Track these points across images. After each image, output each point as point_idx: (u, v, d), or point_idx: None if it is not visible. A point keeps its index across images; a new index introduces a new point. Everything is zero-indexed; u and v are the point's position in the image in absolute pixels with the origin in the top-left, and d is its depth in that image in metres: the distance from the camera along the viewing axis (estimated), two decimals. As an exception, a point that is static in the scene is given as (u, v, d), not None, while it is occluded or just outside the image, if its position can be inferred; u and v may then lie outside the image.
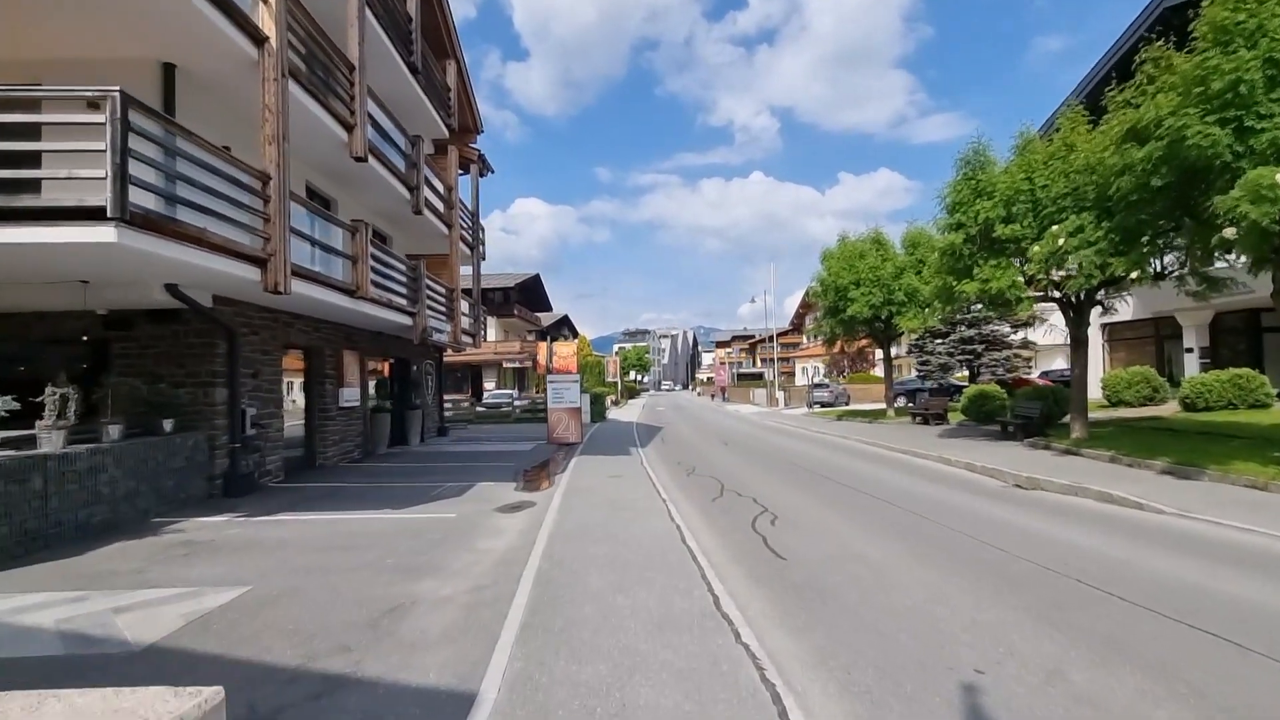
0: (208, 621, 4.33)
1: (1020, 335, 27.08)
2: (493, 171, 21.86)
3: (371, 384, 15.38)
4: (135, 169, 5.95)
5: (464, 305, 18.63)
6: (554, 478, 11.01)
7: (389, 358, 16.43)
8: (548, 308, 56.68)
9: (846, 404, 36.75)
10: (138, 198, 5.95)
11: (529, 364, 42.26)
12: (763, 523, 7.28)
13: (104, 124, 5.61)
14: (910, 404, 27.95)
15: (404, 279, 13.22)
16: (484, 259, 21.34)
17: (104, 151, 5.61)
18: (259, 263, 7.98)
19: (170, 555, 6.05)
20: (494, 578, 5.23)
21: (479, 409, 30.08)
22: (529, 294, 50.75)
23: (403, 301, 13.06)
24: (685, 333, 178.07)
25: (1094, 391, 22.86)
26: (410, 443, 17.00)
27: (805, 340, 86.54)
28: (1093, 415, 15.54)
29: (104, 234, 5.68)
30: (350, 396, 13.29)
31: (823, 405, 34.72)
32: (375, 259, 11.52)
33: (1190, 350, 19.44)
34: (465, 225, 19.15)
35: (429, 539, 6.59)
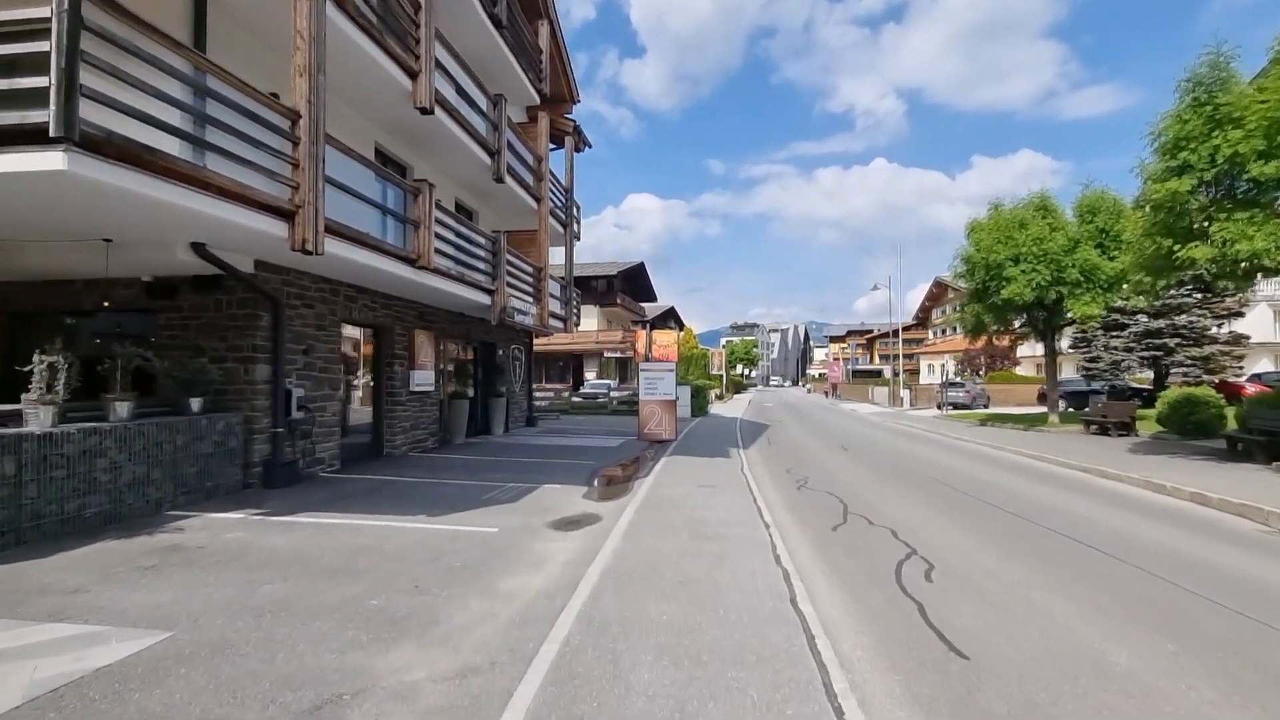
0: (49, 705, 2.86)
1: (1227, 329, 21.73)
2: (590, 146, 20.41)
3: (451, 368, 14.39)
4: (100, 84, 4.74)
5: (554, 287, 17.32)
6: (633, 483, 9.18)
7: (471, 341, 15.39)
8: (652, 298, 55.27)
9: (985, 406, 32.15)
10: (100, 118, 4.74)
11: (630, 354, 40.97)
12: (912, 574, 4.99)
13: (48, 18, 4.40)
14: (1074, 409, 23.45)
15: (481, 252, 11.93)
16: (578, 239, 19.97)
17: (47, 53, 4.40)
18: (286, 216, 6.76)
19: (134, 567, 4.83)
20: (495, 653, 3.44)
21: (575, 399, 29.08)
22: (633, 283, 49.55)
23: (479, 277, 11.78)
24: (796, 327, 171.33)
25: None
26: (493, 432, 15.91)
27: (931, 335, 79.15)
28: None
29: (49, 160, 4.50)
30: (423, 380, 12.24)
31: (957, 407, 30.48)
32: (442, 224, 10.23)
33: None
34: (558, 202, 17.82)
35: (446, 566, 4.95)
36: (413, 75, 9.37)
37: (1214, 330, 20.89)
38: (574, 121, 18.73)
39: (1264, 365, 32.72)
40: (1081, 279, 14.88)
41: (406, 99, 9.49)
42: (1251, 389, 22.00)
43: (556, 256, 19.13)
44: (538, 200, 15.70)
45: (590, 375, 42.52)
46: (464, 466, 10.42)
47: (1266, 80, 8.61)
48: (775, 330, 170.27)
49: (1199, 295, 20.43)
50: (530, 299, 14.86)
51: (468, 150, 11.75)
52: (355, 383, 10.91)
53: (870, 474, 10.56)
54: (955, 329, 75.91)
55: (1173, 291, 20.94)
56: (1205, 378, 20.24)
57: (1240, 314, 21.80)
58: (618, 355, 43.47)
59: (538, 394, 29.60)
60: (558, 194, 17.79)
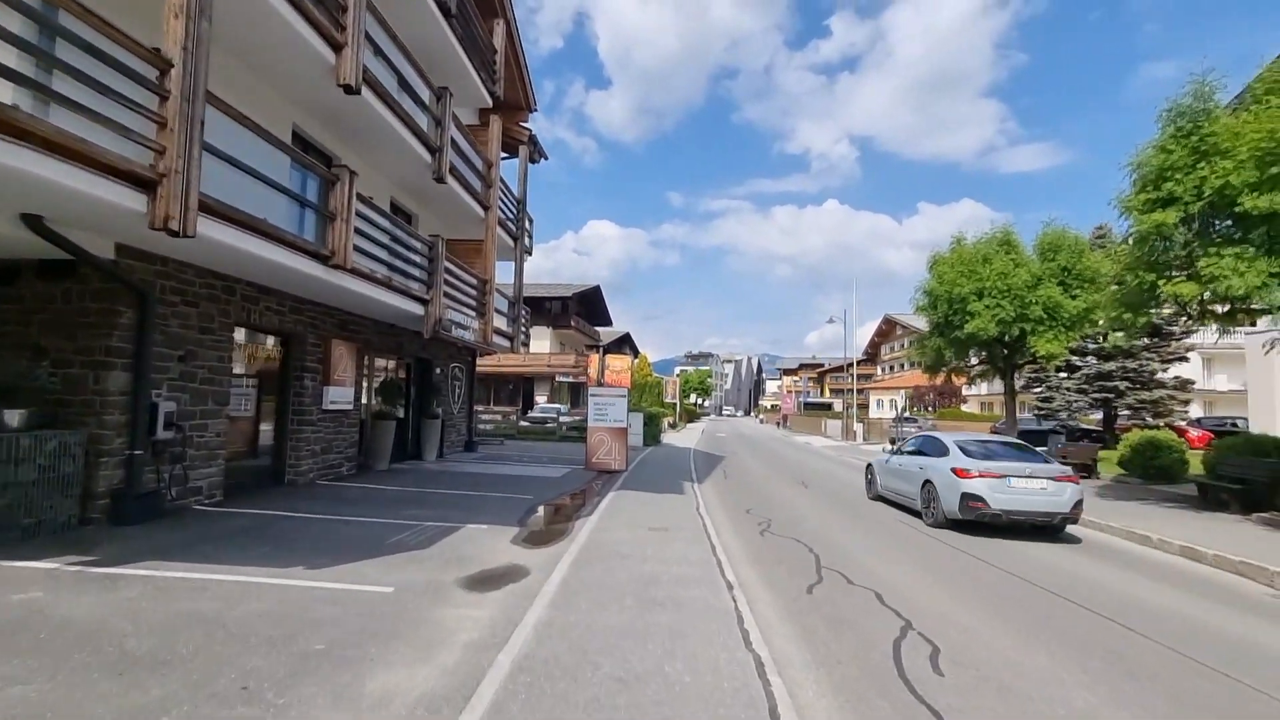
0: None
1: (1173, 374, 22.05)
2: (546, 158, 19.42)
3: (378, 385, 12.89)
4: None
5: (502, 303, 16.09)
6: (574, 523, 7.93)
7: (404, 356, 13.93)
8: (608, 322, 54.29)
9: (936, 443, 32.09)
10: None
11: (583, 378, 39.71)
12: (916, 661, 3.94)
13: None
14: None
15: (414, 257, 10.68)
16: (529, 253, 18.82)
17: None
18: (146, 186, 5.40)
19: None
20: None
21: (522, 423, 27.54)
22: (589, 306, 48.51)
23: (411, 284, 10.51)
24: (750, 359, 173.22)
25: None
26: (425, 458, 14.38)
27: (880, 371, 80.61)
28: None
29: None
30: (340, 398, 10.73)
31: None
32: (365, 220, 8.96)
33: None
34: (509, 213, 16.71)
35: (301, 650, 3.62)
36: (337, 47, 8.14)
37: (1160, 375, 21.22)
38: (529, 130, 17.73)
39: (1194, 411, 33.77)
40: (1045, 316, 14.59)
41: (329, 75, 8.25)
42: (1194, 433, 22.36)
43: (507, 273, 17.95)
44: (485, 208, 14.52)
45: (540, 399, 40.98)
46: (379, 499, 8.96)
47: (1258, 110, 8.23)
48: (729, 361, 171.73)
49: (1146, 339, 20.74)
50: (472, 313, 13.56)
51: (404, 143, 10.53)
52: (257, 397, 9.37)
53: (837, 516, 9.60)
54: (905, 365, 77.56)
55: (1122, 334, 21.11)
56: (1151, 420, 20.43)
57: (1185, 359, 22.28)
58: (570, 379, 42.13)
59: (484, 417, 27.96)
60: (508, 204, 16.67)
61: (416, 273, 10.85)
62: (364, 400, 12.24)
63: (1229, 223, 8.47)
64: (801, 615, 4.79)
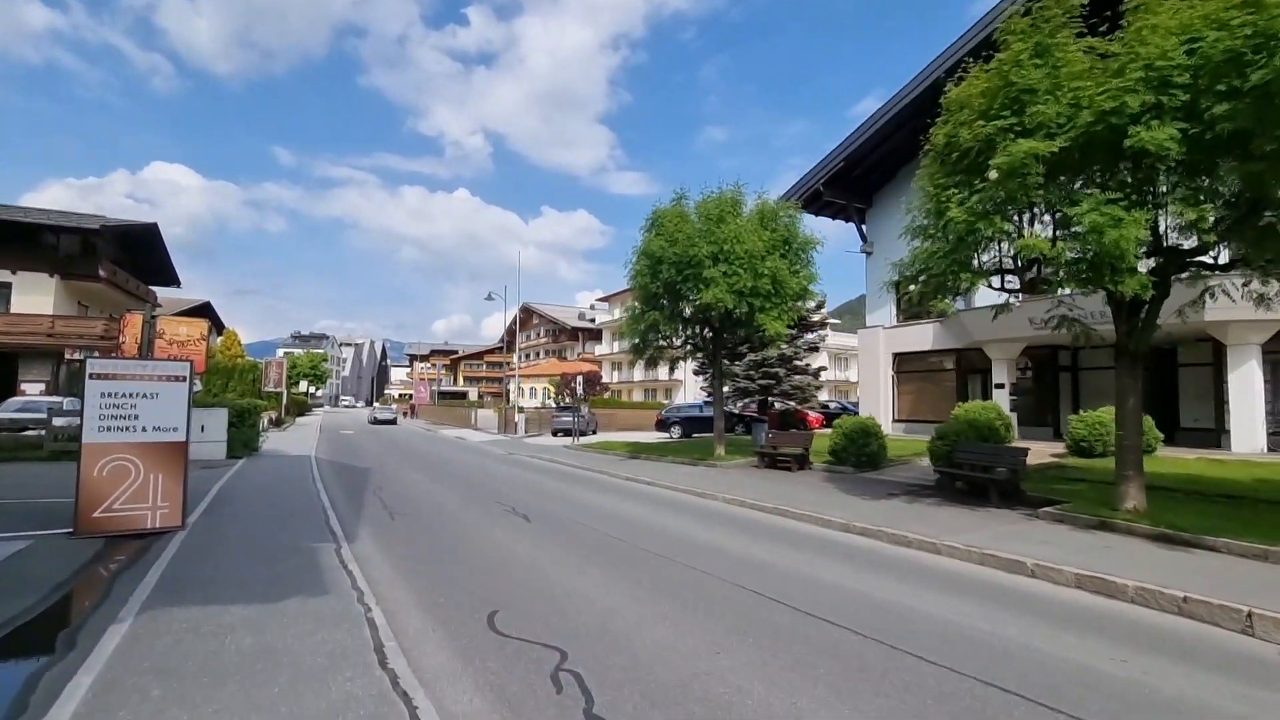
0: None
1: (807, 362, 24.44)
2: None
3: None
4: None
5: None
6: None
7: None
8: (173, 281, 38.69)
9: (594, 432, 30.92)
10: None
11: (115, 352, 26.39)
12: None
13: None
14: (686, 435, 23.14)
15: None
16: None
17: None
18: None
19: None
20: None
21: (-30, 433, 15.33)
22: (137, 254, 33.25)
23: None
24: (372, 343, 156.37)
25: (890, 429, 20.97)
26: None
27: (516, 360, 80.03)
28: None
29: None
30: None
31: (574, 433, 28.06)
32: None
33: (1001, 386, 18.07)
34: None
35: None
36: None
37: (800, 362, 23.32)
38: None
39: (824, 396, 39.83)
40: (772, 290, 13.02)
41: None
42: (813, 415, 25.36)
43: None
44: None
45: (34, 388, 25.76)
46: None
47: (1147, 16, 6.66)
48: (349, 344, 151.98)
49: (790, 329, 22.41)
50: None
51: None
52: None
53: (665, 606, 5.20)
54: (541, 354, 78.43)
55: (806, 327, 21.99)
56: (795, 405, 22.15)
57: (816, 348, 25.15)
58: (98, 355, 27.69)
59: None
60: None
61: None
62: None
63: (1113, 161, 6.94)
64: None
